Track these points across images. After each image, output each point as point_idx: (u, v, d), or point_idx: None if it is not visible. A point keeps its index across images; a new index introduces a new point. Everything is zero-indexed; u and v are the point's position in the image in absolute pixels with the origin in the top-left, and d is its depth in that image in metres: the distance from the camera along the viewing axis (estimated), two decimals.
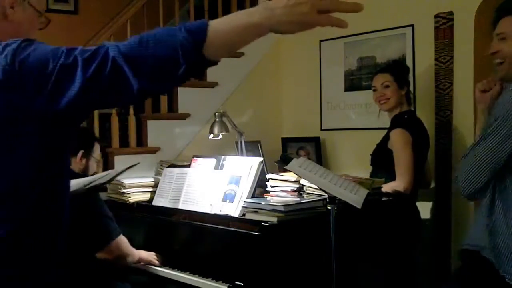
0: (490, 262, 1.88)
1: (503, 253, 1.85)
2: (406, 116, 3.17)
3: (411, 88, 3.40)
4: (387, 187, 2.93)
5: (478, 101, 2.25)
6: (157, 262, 2.74)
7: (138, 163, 2.75)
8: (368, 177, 3.11)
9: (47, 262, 1.36)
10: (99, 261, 2.60)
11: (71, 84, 1.20)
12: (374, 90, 3.27)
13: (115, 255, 2.61)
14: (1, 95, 1.24)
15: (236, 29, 1.19)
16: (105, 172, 2.57)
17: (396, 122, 3.14)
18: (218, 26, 1.18)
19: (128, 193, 3.15)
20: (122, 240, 2.63)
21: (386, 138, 3.18)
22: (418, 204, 3.15)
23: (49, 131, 1.27)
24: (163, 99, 3.85)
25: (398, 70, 3.28)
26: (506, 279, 1.85)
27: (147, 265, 2.76)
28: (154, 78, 1.19)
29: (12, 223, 1.28)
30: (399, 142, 3.04)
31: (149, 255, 2.76)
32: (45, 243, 1.35)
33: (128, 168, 2.55)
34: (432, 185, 3.47)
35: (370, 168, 3.29)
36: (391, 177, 3.02)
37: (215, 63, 1.24)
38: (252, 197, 2.68)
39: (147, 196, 3.21)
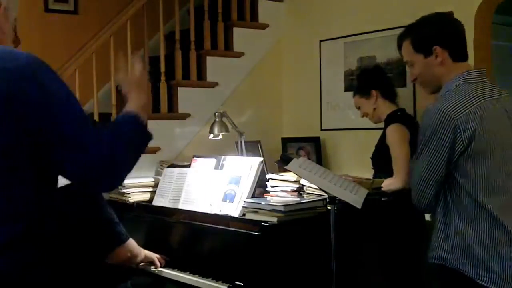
0: (457, 271, 1.92)
1: (469, 257, 1.90)
2: (399, 113, 3.18)
3: (410, 88, 3.39)
4: (384, 184, 2.92)
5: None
6: (158, 263, 2.73)
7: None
8: (369, 177, 3.10)
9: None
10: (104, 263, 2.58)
11: None
12: None
13: (126, 258, 2.59)
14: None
15: None
16: None
17: (390, 120, 3.15)
18: None
19: (128, 193, 3.15)
20: (131, 243, 2.61)
21: (382, 138, 3.18)
22: None
23: None
24: (163, 99, 3.85)
25: (359, 85, 3.35)
26: (479, 281, 1.88)
27: (147, 266, 2.74)
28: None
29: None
30: (396, 137, 3.04)
31: (152, 254, 2.75)
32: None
33: None
34: None
35: (370, 168, 3.29)
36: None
37: None
38: (252, 197, 2.68)
39: (147, 196, 3.21)
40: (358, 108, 3.35)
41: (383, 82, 3.29)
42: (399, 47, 2.14)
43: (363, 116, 3.34)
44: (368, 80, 3.30)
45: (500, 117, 1.94)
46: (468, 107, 1.87)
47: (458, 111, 1.86)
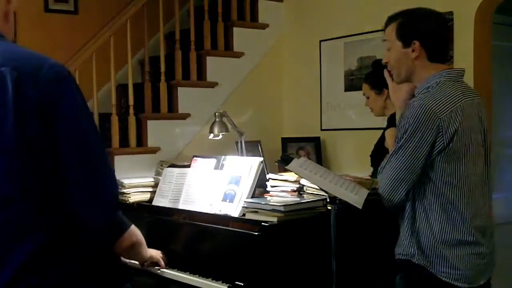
0: (423, 267, 1.94)
1: (431, 254, 1.92)
2: None
3: None
4: None
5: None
6: (163, 263, 2.70)
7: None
8: (369, 177, 3.11)
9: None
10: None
11: None
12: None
13: (131, 244, 2.55)
14: None
15: None
16: None
17: (390, 122, 3.15)
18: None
19: (128, 193, 3.15)
20: (134, 229, 2.57)
21: (382, 138, 3.19)
22: None
23: None
24: (163, 99, 3.85)
25: (373, 76, 3.28)
26: (442, 278, 1.91)
27: (152, 267, 2.71)
28: None
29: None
30: (393, 141, 3.04)
31: (158, 254, 2.73)
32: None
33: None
34: None
35: (370, 168, 3.29)
36: None
37: None
38: (252, 197, 2.68)
39: (147, 196, 3.21)
40: (365, 96, 3.30)
41: None
42: (386, 26, 2.10)
43: (367, 105, 3.32)
44: (383, 76, 3.27)
45: (474, 118, 1.94)
46: (451, 106, 1.87)
47: (442, 109, 1.86)
